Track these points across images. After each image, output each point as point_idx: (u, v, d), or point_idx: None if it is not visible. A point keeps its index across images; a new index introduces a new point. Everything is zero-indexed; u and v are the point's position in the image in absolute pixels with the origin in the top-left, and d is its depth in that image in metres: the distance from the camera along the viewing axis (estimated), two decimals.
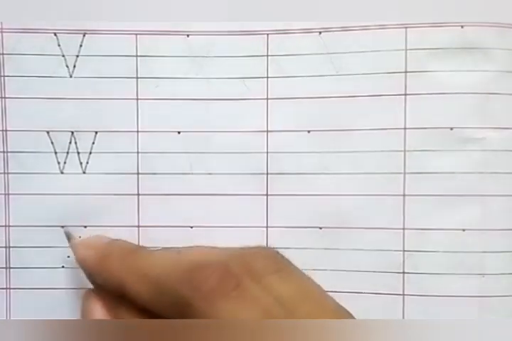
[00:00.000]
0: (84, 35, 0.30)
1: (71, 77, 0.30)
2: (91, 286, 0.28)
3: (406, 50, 0.30)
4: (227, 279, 0.23)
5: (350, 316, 0.24)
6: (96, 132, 0.30)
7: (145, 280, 0.24)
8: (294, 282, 0.24)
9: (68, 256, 0.30)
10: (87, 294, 0.27)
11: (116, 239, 0.28)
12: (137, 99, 0.30)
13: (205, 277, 0.23)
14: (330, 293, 0.30)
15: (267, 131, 0.30)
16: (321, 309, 0.23)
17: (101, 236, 0.28)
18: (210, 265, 0.23)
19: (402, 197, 0.30)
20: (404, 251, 0.30)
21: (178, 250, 0.26)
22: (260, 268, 0.24)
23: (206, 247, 0.26)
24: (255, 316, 0.22)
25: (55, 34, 0.30)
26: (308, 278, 0.25)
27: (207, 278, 0.23)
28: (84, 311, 0.27)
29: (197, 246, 0.26)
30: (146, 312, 0.25)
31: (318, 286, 0.25)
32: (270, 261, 0.24)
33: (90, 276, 0.27)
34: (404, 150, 0.30)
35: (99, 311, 0.26)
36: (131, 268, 0.25)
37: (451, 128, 0.30)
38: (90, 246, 0.28)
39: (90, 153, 0.31)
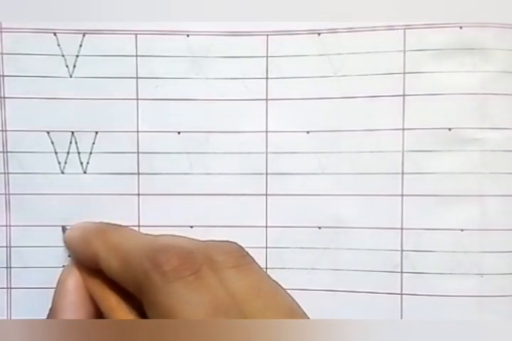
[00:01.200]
0: (84, 35, 0.30)
1: (71, 77, 0.30)
2: None
3: (404, 51, 0.30)
4: (188, 264, 0.24)
5: (304, 317, 0.25)
6: (96, 132, 0.30)
7: (116, 254, 0.26)
8: (249, 278, 0.25)
9: (69, 256, 0.30)
10: (67, 266, 0.29)
11: (102, 222, 0.30)
12: (137, 99, 0.30)
13: (168, 257, 0.24)
14: (329, 293, 0.31)
15: (267, 132, 0.30)
16: (272, 307, 0.24)
17: (89, 221, 0.30)
18: (175, 248, 0.25)
19: (400, 198, 0.30)
20: (402, 250, 0.30)
21: (154, 235, 0.28)
22: (220, 260, 0.25)
23: (180, 236, 0.27)
24: (205, 303, 0.23)
25: (55, 34, 0.30)
26: (267, 277, 0.26)
27: (169, 259, 0.24)
28: (61, 279, 0.29)
29: (172, 235, 0.28)
30: (116, 287, 0.27)
31: (276, 285, 0.26)
32: (231, 256, 0.26)
33: (73, 254, 0.29)
34: (403, 151, 0.30)
35: (74, 280, 0.28)
36: (106, 242, 0.27)
37: (450, 129, 0.30)
38: (78, 227, 0.29)
39: (91, 153, 0.31)
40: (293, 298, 0.25)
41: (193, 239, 0.27)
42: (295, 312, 0.25)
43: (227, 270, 0.25)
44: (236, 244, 0.27)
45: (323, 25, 0.30)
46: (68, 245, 0.30)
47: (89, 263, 0.27)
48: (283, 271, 0.31)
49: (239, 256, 0.26)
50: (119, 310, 0.26)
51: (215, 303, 0.24)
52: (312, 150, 0.30)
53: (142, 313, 0.25)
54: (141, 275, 0.25)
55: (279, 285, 0.26)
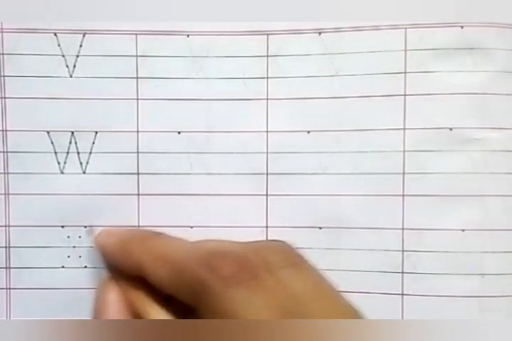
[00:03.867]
0: (84, 35, 0.30)
1: (71, 77, 0.30)
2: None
3: (406, 50, 0.30)
4: (246, 269, 0.24)
5: (359, 315, 0.24)
6: (96, 132, 0.30)
7: (165, 262, 0.25)
8: (309, 278, 0.25)
9: (68, 256, 0.30)
10: (104, 282, 0.28)
11: (136, 228, 0.30)
12: (137, 99, 0.30)
13: (224, 264, 0.24)
14: None
15: (267, 131, 0.30)
16: (332, 307, 0.24)
17: (121, 227, 0.30)
18: (230, 253, 0.24)
19: (401, 198, 0.30)
20: (403, 251, 0.30)
21: (197, 241, 0.27)
22: (276, 261, 0.24)
23: (222, 240, 0.26)
24: (269, 305, 0.23)
25: (55, 34, 0.30)
26: (322, 276, 0.25)
27: (226, 265, 0.24)
28: (99, 298, 0.28)
29: (213, 240, 0.26)
30: (161, 299, 0.26)
31: (332, 284, 0.25)
32: (285, 256, 0.25)
33: (109, 262, 0.28)
34: (404, 151, 0.30)
35: (114, 293, 0.27)
36: (151, 251, 0.26)
37: (451, 129, 0.30)
38: (112, 234, 0.29)
39: (90, 153, 0.31)
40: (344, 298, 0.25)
41: (239, 242, 0.26)
42: (351, 311, 0.24)
43: (283, 270, 0.24)
44: (284, 242, 0.26)
45: (324, 24, 0.30)
46: (103, 252, 0.29)
47: (129, 272, 0.27)
48: None
49: (292, 255, 0.25)
50: (160, 317, 0.26)
51: (279, 305, 0.23)
52: (313, 150, 0.30)
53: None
54: (196, 284, 0.24)
55: (333, 284, 0.25)
